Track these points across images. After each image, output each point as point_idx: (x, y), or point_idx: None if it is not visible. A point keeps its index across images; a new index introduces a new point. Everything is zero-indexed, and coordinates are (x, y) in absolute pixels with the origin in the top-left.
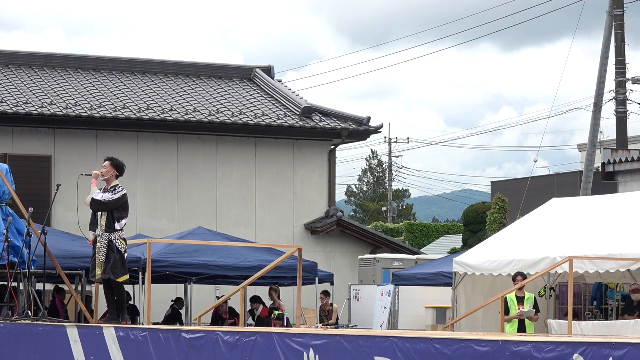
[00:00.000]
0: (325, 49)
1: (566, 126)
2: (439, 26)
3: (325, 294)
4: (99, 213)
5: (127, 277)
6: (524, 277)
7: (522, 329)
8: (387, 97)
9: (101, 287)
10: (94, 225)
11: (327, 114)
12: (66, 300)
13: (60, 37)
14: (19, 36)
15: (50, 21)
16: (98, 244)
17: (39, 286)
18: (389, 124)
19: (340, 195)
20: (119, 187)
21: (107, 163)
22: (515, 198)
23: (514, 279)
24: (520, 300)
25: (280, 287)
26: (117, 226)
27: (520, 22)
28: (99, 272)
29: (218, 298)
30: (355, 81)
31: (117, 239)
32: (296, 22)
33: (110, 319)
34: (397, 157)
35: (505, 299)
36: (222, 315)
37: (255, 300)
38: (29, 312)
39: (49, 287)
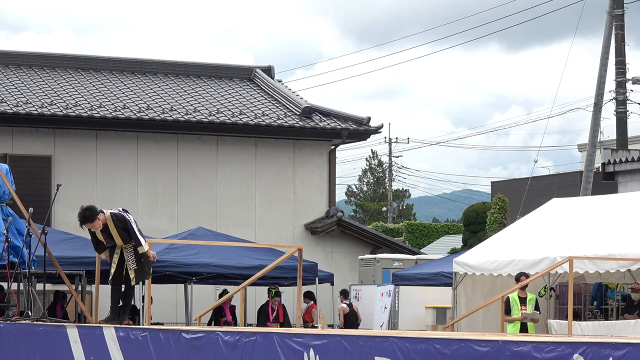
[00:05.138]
0: (331, 49)
1: (573, 126)
2: (445, 24)
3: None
4: (109, 240)
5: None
6: (527, 277)
7: (524, 329)
8: (394, 97)
9: (102, 287)
10: (100, 248)
11: (327, 114)
12: (66, 301)
13: (70, 37)
14: (29, 36)
15: (55, 22)
16: (116, 255)
17: (39, 286)
18: (389, 124)
19: (340, 195)
20: (129, 218)
21: (91, 224)
22: (515, 198)
23: (518, 279)
24: (522, 301)
25: (280, 287)
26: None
27: (525, 20)
28: (132, 275)
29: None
30: (362, 81)
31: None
32: (302, 22)
33: (111, 319)
34: (397, 157)
35: (508, 298)
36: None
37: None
38: (29, 312)
39: (50, 287)
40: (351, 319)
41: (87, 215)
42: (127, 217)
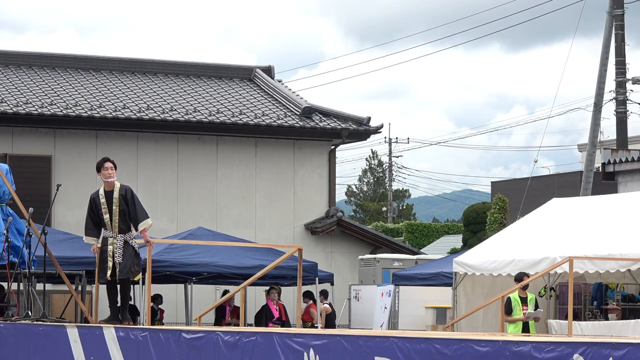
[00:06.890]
0: (333, 48)
1: (574, 126)
2: (446, 24)
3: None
4: (106, 216)
5: (140, 274)
6: (528, 277)
7: (525, 329)
8: (396, 97)
9: (102, 287)
10: (94, 231)
11: (327, 114)
12: (65, 300)
13: (74, 38)
14: (32, 37)
15: (57, 22)
16: (110, 247)
17: (39, 286)
18: (389, 123)
19: (340, 195)
20: (135, 193)
21: (112, 165)
22: (515, 198)
23: (520, 279)
24: (523, 301)
25: (280, 287)
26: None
27: (526, 20)
28: (109, 272)
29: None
30: (364, 81)
31: (132, 238)
32: (304, 22)
33: (111, 319)
34: (397, 157)
35: (509, 298)
36: (225, 306)
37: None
38: (29, 312)
39: (50, 287)
40: (331, 320)
41: (112, 160)
42: (134, 192)
